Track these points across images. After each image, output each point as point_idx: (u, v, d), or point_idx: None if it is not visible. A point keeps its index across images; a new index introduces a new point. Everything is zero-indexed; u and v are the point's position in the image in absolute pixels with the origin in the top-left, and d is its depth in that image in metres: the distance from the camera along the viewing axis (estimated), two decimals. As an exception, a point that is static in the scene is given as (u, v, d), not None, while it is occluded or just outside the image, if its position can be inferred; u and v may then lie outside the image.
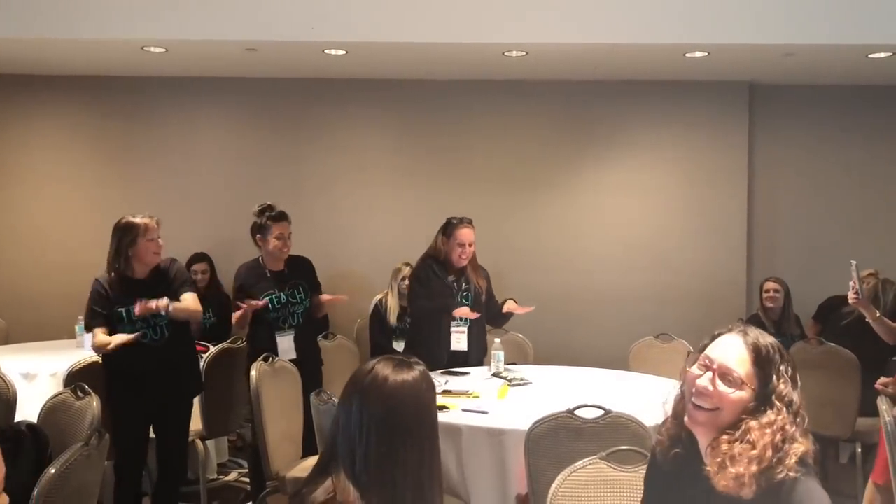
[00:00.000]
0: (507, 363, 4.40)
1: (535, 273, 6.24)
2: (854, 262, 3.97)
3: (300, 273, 4.54)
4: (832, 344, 4.54)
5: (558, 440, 2.91)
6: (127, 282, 3.79)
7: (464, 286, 4.48)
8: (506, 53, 5.37)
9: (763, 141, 6.41)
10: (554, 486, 2.35)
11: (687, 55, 5.39)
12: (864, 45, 5.10)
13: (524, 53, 5.37)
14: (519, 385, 3.95)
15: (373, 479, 1.54)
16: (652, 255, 6.29)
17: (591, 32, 5.05)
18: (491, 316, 4.66)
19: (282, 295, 4.42)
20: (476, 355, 4.48)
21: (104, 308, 3.77)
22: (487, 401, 3.61)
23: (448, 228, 4.47)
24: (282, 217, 4.41)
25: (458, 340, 4.42)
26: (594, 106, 6.31)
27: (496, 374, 4.14)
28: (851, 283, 3.92)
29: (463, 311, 4.37)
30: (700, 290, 6.22)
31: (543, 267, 6.26)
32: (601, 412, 2.94)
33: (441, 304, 4.40)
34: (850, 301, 4.04)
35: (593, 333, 6.18)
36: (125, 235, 3.76)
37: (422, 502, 1.56)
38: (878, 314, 4.11)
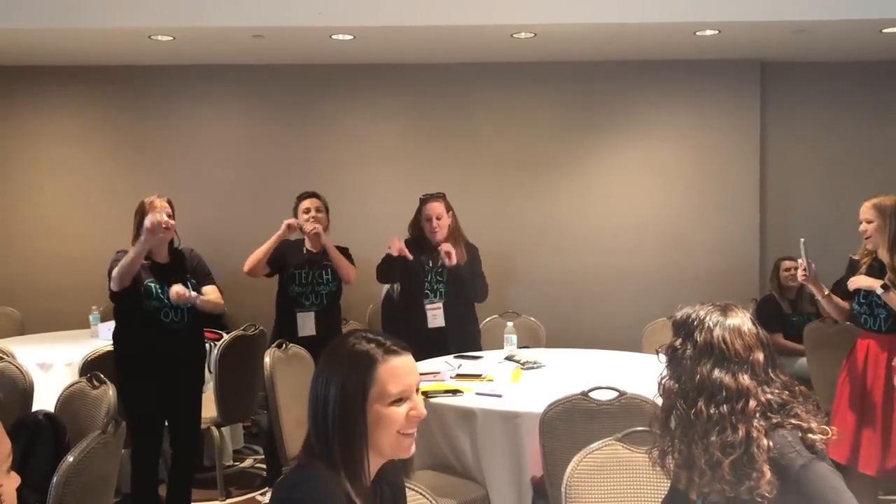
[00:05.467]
0: (519, 346, 4.40)
1: (546, 256, 6.23)
2: (802, 240, 3.84)
3: None
4: (847, 322, 4.50)
5: (573, 422, 2.91)
6: (148, 263, 3.84)
7: (439, 263, 4.52)
8: (514, 35, 5.34)
9: (775, 119, 6.35)
10: (569, 468, 2.34)
11: (697, 33, 5.33)
12: (878, 20, 5.03)
13: (533, 35, 5.33)
14: (532, 368, 3.95)
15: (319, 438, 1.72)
16: (664, 235, 6.25)
17: (600, 12, 5.01)
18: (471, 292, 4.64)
19: (311, 273, 4.54)
20: (457, 337, 4.47)
21: None
22: (501, 384, 3.61)
23: (419, 205, 4.61)
24: (306, 196, 4.62)
25: (435, 317, 4.49)
26: (604, 87, 6.26)
27: (509, 358, 4.14)
28: (800, 262, 3.75)
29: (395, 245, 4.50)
30: (713, 269, 6.18)
31: (554, 249, 6.24)
32: (616, 394, 2.93)
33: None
34: (799, 279, 3.86)
35: (606, 315, 6.16)
36: (137, 214, 3.89)
37: (349, 447, 1.65)
38: (826, 291, 3.87)
